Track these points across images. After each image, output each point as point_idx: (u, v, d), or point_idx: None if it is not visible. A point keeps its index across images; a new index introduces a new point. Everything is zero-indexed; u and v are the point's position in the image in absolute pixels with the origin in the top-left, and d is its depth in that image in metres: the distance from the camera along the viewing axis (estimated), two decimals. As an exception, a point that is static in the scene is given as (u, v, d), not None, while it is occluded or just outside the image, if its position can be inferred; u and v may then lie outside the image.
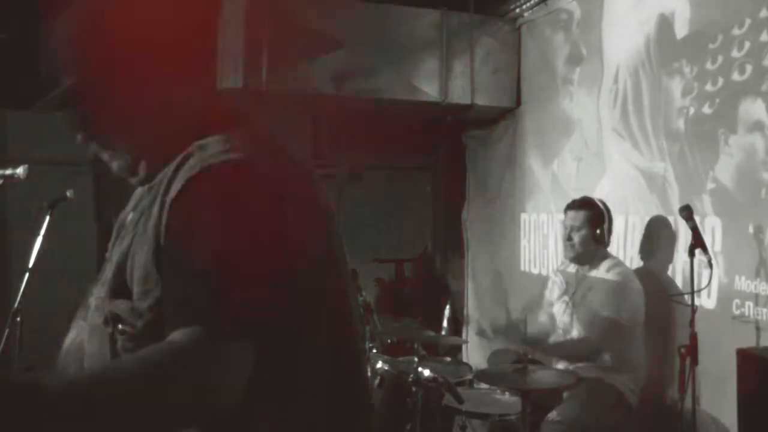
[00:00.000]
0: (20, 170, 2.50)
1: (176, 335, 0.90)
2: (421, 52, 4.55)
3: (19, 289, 2.89)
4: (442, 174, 6.08)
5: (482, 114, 4.98)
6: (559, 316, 3.42)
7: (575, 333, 3.28)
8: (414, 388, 2.94)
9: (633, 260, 3.59)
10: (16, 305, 2.85)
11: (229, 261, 0.94)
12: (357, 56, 4.37)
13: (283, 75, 4.20)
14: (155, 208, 1.03)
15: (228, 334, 0.91)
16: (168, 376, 0.88)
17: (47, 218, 3.00)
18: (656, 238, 3.45)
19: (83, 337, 1.13)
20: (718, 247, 3.04)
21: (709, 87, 3.15)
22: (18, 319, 2.84)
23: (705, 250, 2.75)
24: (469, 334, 5.36)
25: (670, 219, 3.36)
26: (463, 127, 5.48)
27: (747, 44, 2.95)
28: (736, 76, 3.00)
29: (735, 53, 3.01)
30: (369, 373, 3.04)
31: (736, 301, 2.94)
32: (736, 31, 3.00)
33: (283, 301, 0.98)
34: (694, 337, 2.66)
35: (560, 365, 3.24)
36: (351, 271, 1.25)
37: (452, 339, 4.53)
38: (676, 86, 3.37)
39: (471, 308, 5.47)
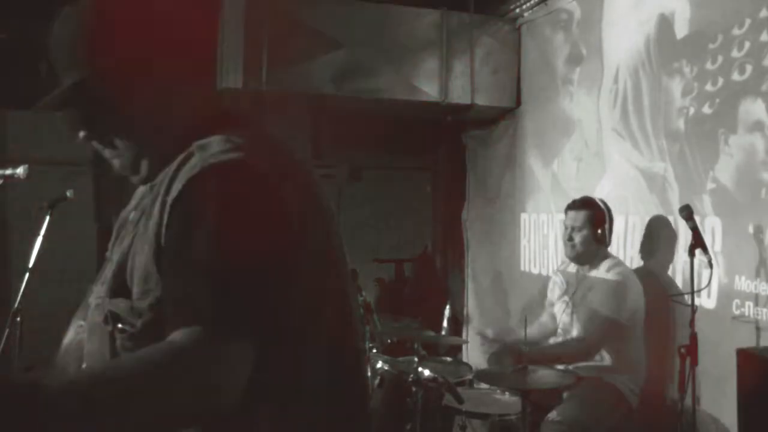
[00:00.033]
0: (20, 170, 2.50)
1: (176, 335, 0.91)
2: (421, 52, 4.55)
3: (19, 289, 2.88)
4: (442, 174, 6.08)
5: (482, 114, 4.98)
6: (560, 316, 3.42)
7: (575, 333, 3.28)
8: (414, 388, 2.94)
9: (633, 260, 3.59)
10: (16, 305, 2.85)
11: (230, 261, 0.94)
12: (357, 56, 4.37)
13: (283, 75, 4.20)
14: (156, 208, 1.03)
15: (228, 334, 0.91)
16: (168, 376, 0.88)
17: (47, 218, 3.00)
18: (656, 238, 3.45)
19: (83, 336, 1.13)
20: (718, 247, 3.04)
21: (709, 87, 3.15)
22: (18, 319, 2.84)
23: (705, 250, 2.75)
24: (469, 334, 5.36)
25: (670, 219, 3.36)
26: (463, 127, 5.48)
27: (747, 44, 2.95)
28: (736, 76, 3.00)
29: (735, 53, 3.01)
30: (369, 373, 3.04)
31: (736, 301, 2.94)
32: (736, 31, 3.00)
33: (283, 301, 0.98)
34: (694, 337, 2.66)
35: (560, 365, 3.24)
36: (351, 271, 1.25)
37: (452, 339, 4.52)
38: (676, 86, 3.37)
39: (471, 308, 5.47)
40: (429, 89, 4.55)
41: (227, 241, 0.95)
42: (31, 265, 2.91)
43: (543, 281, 4.29)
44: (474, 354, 4.96)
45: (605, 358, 3.18)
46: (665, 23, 3.46)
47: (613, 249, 3.50)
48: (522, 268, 4.78)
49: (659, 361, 3.26)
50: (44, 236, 2.96)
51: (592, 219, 3.30)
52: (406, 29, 4.52)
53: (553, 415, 2.97)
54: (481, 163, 5.40)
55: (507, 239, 4.99)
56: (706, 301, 3.05)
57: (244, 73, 4.11)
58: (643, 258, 3.53)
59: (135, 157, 1.12)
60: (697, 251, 2.75)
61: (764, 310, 2.80)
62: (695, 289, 2.73)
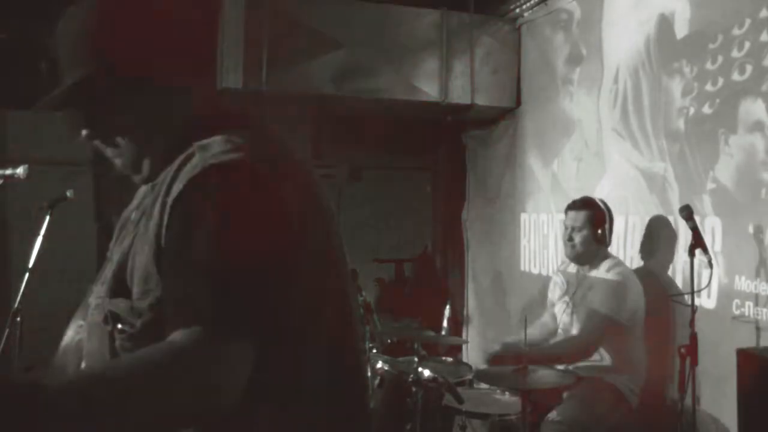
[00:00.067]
0: (20, 170, 2.50)
1: (176, 335, 0.91)
2: (421, 52, 4.54)
3: (19, 289, 2.88)
4: (442, 174, 6.08)
5: (482, 114, 4.98)
6: (560, 316, 3.42)
7: (575, 333, 3.28)
8: (414, 388, 2.94)
9: (633, 260, 3.59)
10: (16, 305, 2.85)
11: (230, 261, 0.94)
12: (357, 56, 4.37)
13: (283, 75, 4.20)
14: (156, 209, 1.03)
15: (228, 334, 0.91)
16: (168, 376, 0.88)
17: (47, 218, 3.00)
18: (656, 238, 3.45)
19: (82, 336, 1.13)
20: (718, 247, 3.04)
21: (709, 87, 3.15)
22: (18, 319, 2.84)
23: (705, 250, 2.75)
24: (469, 334, 5.36)
25: (670, 219, 3.36)
26: (463, 127, 5.48)
27: (747, 44, 2.95)
28: (736, 76, 3.00)
29: (735, 53, 3.01)
30: (369, 373, 3.04)
31: (736, 301, 2.94)
32: (736, 31, 3.00)
33: (283, 301, 0.98)
34: (694, 337, 2.66)
35: (560, 365, 3.24)
36: (351, 271, 1.25)
37: (452, 339, 4.52)
38: (676, 86, 3.37)
39: (471, 308, 5.47)
40: (429, 89, 4.55)
41: (227, 241, 0.95)
42: (31, 265, 2.91)
43: (543, 281, 4.29)
44: (474, 354, 4.96)
45: (605, 358, 3.18)
46: (665, 23, 3.46)
47: (613, 249, 3.50)
48: (522, 268, 4.78)
49: (659, 361, 3.26)
50: (44, 236, 2.96)
51: (592, 219, 3.30)
52: (406, 29, 4.52)
53: (553, 415, 2.97)
54: (481, 163, 5.40)
55: (507, 239, 4.99)
56: (706, 301, 3.05)
57: (244, 73, 4.11)
58: (643, 258, 3.53)
59: (136, 156, 1.13)
60: (697, 251, 2.75)
61: (764, 310, 2.80)
62: (695, 289, 2.73)
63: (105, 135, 1.12)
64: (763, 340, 2.79)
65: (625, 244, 3.69)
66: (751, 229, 2.89)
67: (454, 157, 5.69)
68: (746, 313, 2.88)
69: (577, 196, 3.53)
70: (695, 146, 3.24)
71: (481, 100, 4.69)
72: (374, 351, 3.34)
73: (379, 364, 3.15)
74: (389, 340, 3.80)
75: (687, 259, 2.80)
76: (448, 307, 4.81)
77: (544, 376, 2.79)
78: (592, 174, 4.02)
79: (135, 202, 1.22)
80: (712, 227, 3.09)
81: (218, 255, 0.94)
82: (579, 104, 4.17)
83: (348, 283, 1.20)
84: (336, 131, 5.29)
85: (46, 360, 1.20)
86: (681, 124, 3.33)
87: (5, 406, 0.79)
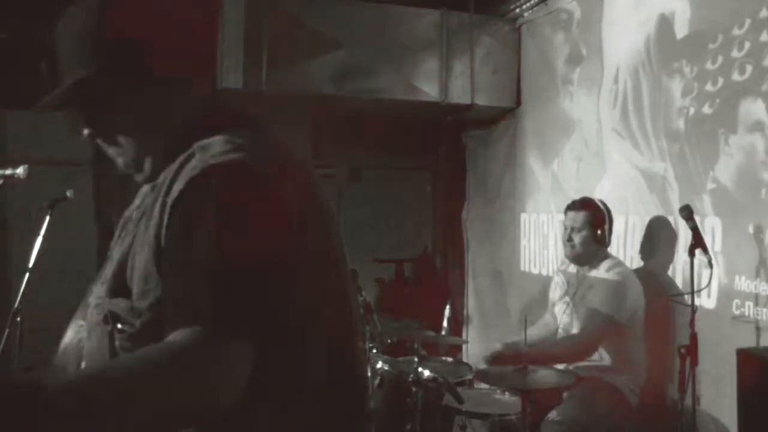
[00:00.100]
0: (20, 170, 2.50)
1: (176, 335, 0.91)
2: (421, 52, 4.55)
3: (19, 289, 2.88)
4: (442, 174, 6.08)
5: (482, 114, 4.98)
6: (560, 317, 3.42)
7: (575, 333, 3.28)
8: (414, 388, 2.93)
9: (633, 260, 3.59)
10: (16, 305, 2.85)
11: (230, 261, 0.94)
12: (357, 56, 4.37)
13: (283, 75, 4.20)
14: (156, 209, 1.03)
15: (228, 334, 0.91)
16: (168, 376, 0.88)
17: (47, 218, 3.00)
18: (656, 238, 3.45)
19: (82, 336, 1.13)
20: (718, 247, 3.04)
21: (709, 87, 3.15)
22: (18, 319, 2.84)
23: (705, 250, 2.75)
24: (469, 334, 5.36)
25: (670, 219, 3.36)
26: (463, 127, 5.48)
27: (747, 44, 2.95)
28: (736, 76, 3.00)
29: (735, 53, 3.01)
30: (369, 373, 3.04)
31: (736, 301, 2.94)
32: (736, 31, 3.00)
33: (283, 301, 0.98)
34: (694, 337, 2.66)
35: (560, 365, 3.24)
36: (351, 271, 1.25)
37: (452, 339, 4.52)
38: (676, 86, 3.37)
39: (471, 308, 5.47)
40: (429, 89, 4.55)
41: (227, 241, 0.95)
42: (31, 265, 2.91)
43: (543, 281, 4.29)
44: (474, 354, 4.96)
45: (605, 358, 3.18)
46: (665, 23, 3.46)
47: (613, 249, 3.50)
48: (522, 268, 4.78)
49: (659, 361, 3.26)
50: (44, 236, 2.96)
51: (592, 220, 3.30)
52: (406, 29, 4.52)
53: (553, 415, 2.97)
54: (481, 163, 5.40)
55: (507, 239, 4.99)
56: (706, 301, 3.05)
57: (244, 73, 4.11)
58: (643, 258, 3.53)
59: (138, 155, 1.13)
60: (697, 251, 2.75)
61: (764, 310, 2.80)
62: (695, 289, 2.73)
63: (106, 134, 1.12)
64: (763, 340, 2.79)
65: (625, 244, 3.69)
66: (751, 229, 2.89)
67: (454, 157, 5.69)
68: (746, 313, 2.88)
69: (577, 196, 3.53)
70: (695, 146, 3.24)
71: (481, 100, 4.69)
72: (374, 351, 3.34)
73: (379, 364, 3.15)
74: (389, 340, 3.80)
75: (687, 259, 2.80)
76: (448, 307, 4.81)
77: (544, 376, 2.79)
78: (592, 174, 4.02)
79: (136, 201, 1.22)
80: (712, 227, 3.09)
81: (218, 255, 0.94)
82: (579, 104, 4.18)
83: (348, 283, 1.20)
84: (336, 131, 5.29)
85: (46, 360, 1.20)
86: (681, 124, 3.33)
87: (5, 406, 0.79)
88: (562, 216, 3.48)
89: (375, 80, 4.42)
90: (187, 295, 0.93)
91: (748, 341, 2.80)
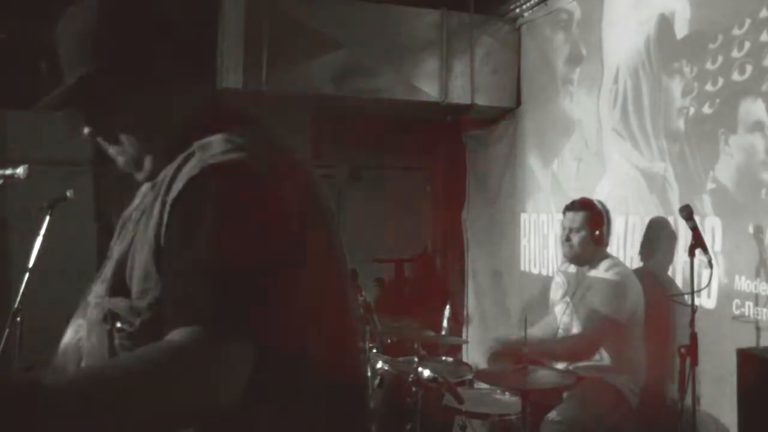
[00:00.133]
0: (20, 170, 2.50)
1: (176, 335, 0.90)
2: (421, 52, 4.54)
3: (19, 289, 2.88)
4: (442, 174, 6.08)
5: (482, 114, 4.98)
6: (560, 317, 3.42)
7: (575, 333, 3.28)
8: (414, 388, 2.94)
9: (633, 260, 3.59)
10: (16, 305, 2.85)
11: (230, 261, 0.94)
12: (357, 56, 4.37)
13: (283, 75, 4.20)
14: (156, 208, 1.03)
15: (228, 334, 0.91)
16: (168, 375, 0.88)
17: (47, 218, 3.00)
18: (656, 238, 3.45)
19: (82, 335, 1.13)
20: (718, 247, 3.04)
21: (709, 87, 3.15)
22: (18, 319, 2.84)
23: (705, 250, 2.75)
24: (469, 334, 5.36)
25: (670, 219, 3.36)
26: (463, 127, 5.47)
27: (747, 44, 2.95)
28: (736, 76, 3.00)
29: (735, 53, 3.01)
30: (369, 373, 3.04)
31: (736, 301, 2.94)
32: (736, 31, 3.00)
33: (283, 300, 0.98)
34: (694, 337, 2.66)
35: (560, 365, 3.24)
36: (351, 271, 1.25)
37: (452, 339, 4.51)
38: (676, 86, 3.37)
39: (471, 308, 5.47)
40: (429, 89, 4.55)
41: (227, 241, 0.95)
42: (31, 264, 2.91)
43: (543, 281, 4.29)
44: (474, 354, 4.96)
45: (605, 358, 3.18)
46: (665, 23, 3.46)
47: (613, 249, 3.50)
48: (522, 268, 4.78)
49: (659, 361, 3.26)
50: (44, 236, 2.96)
51: (590, 220, 3.30)
52: (406, 29, 4.52)
53: (553, 415, 2.97)
54: (481, 163, 5.40)
55: (507, 239, 4.99)
56: (706, 301, 3.05)
57: (244, 73, 4.11)
58: (643, 258, 3.53)
59: (138, 154, 1.13)
60: (697, 251, 2.75)
61: (764, 310, 2.80)
62: (695, 289, 2.73)
63: (106, 133, 1.12)
64: (763, 340, 2.79)
65: (625, 244, 3.69)
66: (751, 229, 2.89)
67: (454, 157, 5.69)
68: (746, 313, 2.88)
69: (577, 196, 3.54)
70: (695, 146, 3.24)
71: (481, 100, 4.69)
72: (374, 351, 3.34)
73: (379, 364, 3.15)
74: (389, 340, 3.80)
75: (687, 259, 2.80)
76: (448, 307, 4.80)
77: (544, 376, 2.79)
78: (592, 174, 4.02)
79: (136, 201, 1.22)
80: (712, 227, 3.09)
81: (218, 255, 0.94)
82: (579, 104, 4.18)
83: (348, 283, 1.20)
84: (336, 131, 5.29)
85: (46, 360, 1.20)
86: (681, 124, 3.33)
87: (5, 406, 0.79)
88: (561, 216, 3.49)
89: (375, 80, 4.42)
90: (186, 295, 0.93)
91: (748, 341, 2.80)
